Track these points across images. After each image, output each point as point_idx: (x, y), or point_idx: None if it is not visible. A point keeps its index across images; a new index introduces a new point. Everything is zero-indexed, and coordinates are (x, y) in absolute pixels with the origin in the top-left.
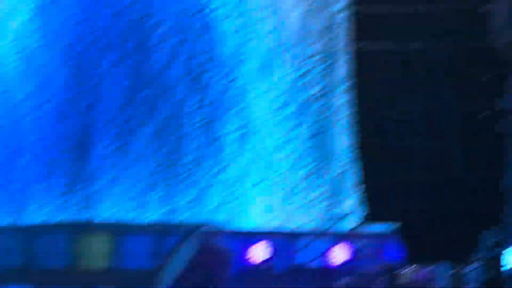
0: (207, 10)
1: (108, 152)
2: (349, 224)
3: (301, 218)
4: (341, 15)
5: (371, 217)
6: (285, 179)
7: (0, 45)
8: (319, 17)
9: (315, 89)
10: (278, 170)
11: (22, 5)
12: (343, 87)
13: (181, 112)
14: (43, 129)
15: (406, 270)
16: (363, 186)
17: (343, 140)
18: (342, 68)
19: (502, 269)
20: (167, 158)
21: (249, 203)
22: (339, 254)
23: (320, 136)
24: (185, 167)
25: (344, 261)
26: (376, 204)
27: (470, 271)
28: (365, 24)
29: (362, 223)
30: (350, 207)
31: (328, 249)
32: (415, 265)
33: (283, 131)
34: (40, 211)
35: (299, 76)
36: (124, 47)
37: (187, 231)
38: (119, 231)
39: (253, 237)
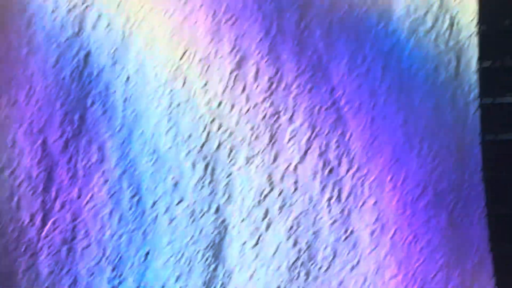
0: (338, 105)
1: (244, 250)
2: None
3: None
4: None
5: None
6: (421, 271)
7: (133, 147)
8: (450, 109)
9: (450, 180)
10: (415, 261)
11: (153, 107)
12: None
13: (315, 208)
14: (176, 230)
15: None
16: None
17: (478, 230)
18: (474, 159)
19: None
20: (303, 254)
21: None
22: None
23: (455, 226)
24: (321, 262)
25: None
26: None
27: None
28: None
29: None
30: None
31: None
32: None
33: (418, 223)
34: None
35: (433, 167)
36: (256, 145)
37: None
38: None
39: None
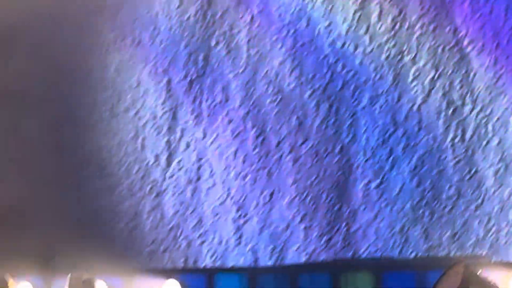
0: (461, 45)
1: (369, 190)
2: None
3: None
4: None
5: None
6: None
7: (257, 87)
8: None
9: None
10: None
11: (277, 47)
12: None
13: (439, 147)
14: (301, 170)
15: None
16: None
17: None
18: None
19: None
20: (427, 193)
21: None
22: None
23: None
24: (445, 202)
25: None
26: None
27: None
28: None
29: None
30: None
31: None
32: None
33: None
34: (302, 251)
35: None
36: (380, 85)
37: (450, 264)
38: (382, 268)
39: None
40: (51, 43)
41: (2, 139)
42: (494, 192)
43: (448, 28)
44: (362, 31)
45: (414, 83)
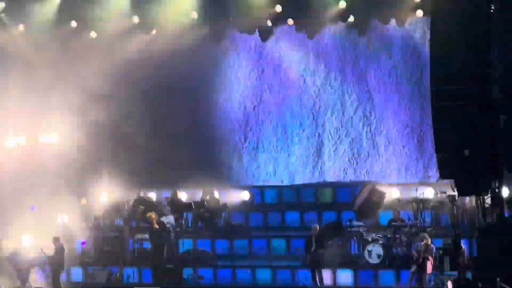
0: (370, 91)
1: (330, 152)
2: None
3: None
4: None
5: None
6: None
7: (284, 110)
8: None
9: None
10: (400, 163)
11: (290, 94)
12: None
13: (359, 133)
14: (302, 143)
15: None
16: None
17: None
18: None
19: None
20: (356, 153)
21: None
22: None
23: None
24: (363, 158)
25: None
26: None
27: None
28: None
29: None
30: None
31: None
32: None
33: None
34: (302, 178)
35: (414, 118)
36: (333, 107)
37: (364, 184)
38: (337, 186)
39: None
40: (191, 78)
41: (160, 123)
42: (384, 148)
43: (364, 83)
44: (328, 82)
45: (350, 107)
